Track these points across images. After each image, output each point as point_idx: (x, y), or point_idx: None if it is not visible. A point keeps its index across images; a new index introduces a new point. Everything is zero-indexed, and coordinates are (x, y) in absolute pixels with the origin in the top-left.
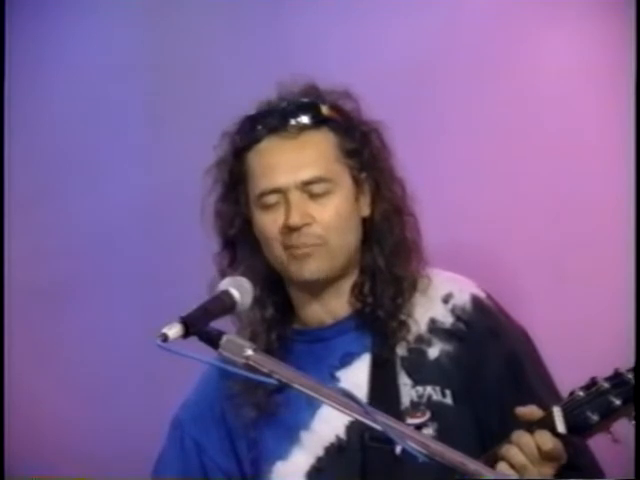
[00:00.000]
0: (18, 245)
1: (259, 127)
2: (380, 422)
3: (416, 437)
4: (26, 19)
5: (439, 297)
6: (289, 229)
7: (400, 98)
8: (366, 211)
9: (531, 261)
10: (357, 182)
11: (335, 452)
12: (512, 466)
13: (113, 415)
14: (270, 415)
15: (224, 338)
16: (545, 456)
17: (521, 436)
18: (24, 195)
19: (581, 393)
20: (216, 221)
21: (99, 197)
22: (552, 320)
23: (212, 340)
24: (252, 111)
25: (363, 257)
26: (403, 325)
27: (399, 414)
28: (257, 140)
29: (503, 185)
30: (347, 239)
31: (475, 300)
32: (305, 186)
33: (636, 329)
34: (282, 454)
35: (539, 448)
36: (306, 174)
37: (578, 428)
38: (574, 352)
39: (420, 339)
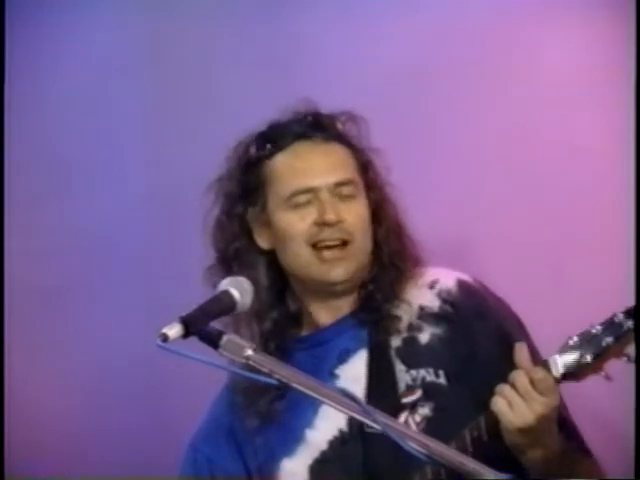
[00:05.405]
0: (18, 245)
1: (285, 133)
2: (380, 422)
3: (416, 437)
4: (25, 19)
5: (426, 285)
6: (324, 225)
7: (401, 98)
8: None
9: (530, 261)
10: (367, 197)
11: (338, 444)
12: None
13: (113, 415)
14: (274, 421)
15: (224, 338)
16: (537, 386)
17: (515, 374)
18: (24, 195)
19: (575, 338)
20: (217, 235)
21: (99, 197)
22: (551, 320)
23: (212, 340)
24: (264, 126)
25: (370, 264)
26: (397, 314)
27: (397, 399)
28: (283, 147)
29: (503, 185)
30: (368, 243)
31: (460, 283)
32: (336, 188)
33: (636, 328)
34: (287, 452)
35: (531, 381)
36: (338, 176)
37: (572, 370)
38: None
39: (411, 327)
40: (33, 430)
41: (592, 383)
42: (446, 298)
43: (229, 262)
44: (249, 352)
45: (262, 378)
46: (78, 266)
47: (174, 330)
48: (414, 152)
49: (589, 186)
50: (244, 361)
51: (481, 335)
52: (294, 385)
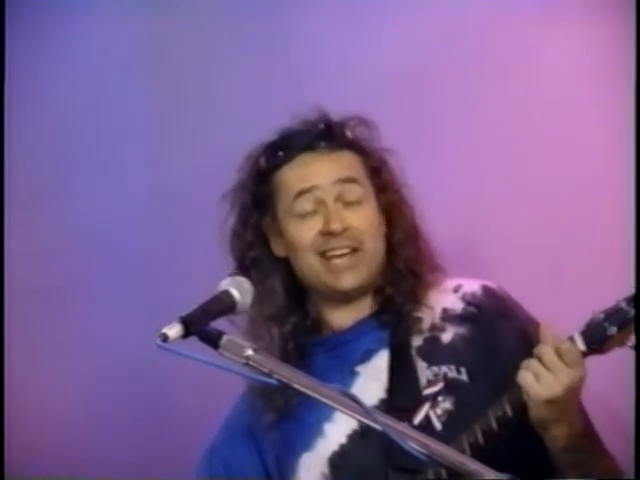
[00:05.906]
0: (18, 245)
1: (292, 145)
2: (380, 422)
3: (416, 437)
4: (25, 19)
5: (449, 290)
6: (329, 234)
7: (400, 98)
8: (384, 228)
9: (530, 261)
10: (378, 201)
11: (358, 438)
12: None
13: (113, 415)
14: (291, 416)
15: (224, 338)
16: (563, 357)
17: (540, 347)
18: (24, 195)
19: (601, 314)
20: (234, 244)
21: (99, 197)
22: (551, 320)
23: (212, 340)
24: (274, 136)
25: (384, 268)
26: (419, 316)
27: (418, 391)
28: (289, 158)
29: (503, 185)
30: (378, 246)
31: (485, 288)
32: (340, 186)
33: (636, 329)
34: (306, 446)
35: (558, 352)
36: (341, 174)
37: (598, 342)
38: None
39: (433, 327)
40: (33, 430)
41: (594, 383)
42: (470, 301)
43: (247, 270)
44: (249, 352)
45: (262, 378)
46: (78, 266)
47: (174, 330)
48: (413, 152)
49: (589, 186)
50: (244, 361)
51: (505, 335)
52: (294, 385)
